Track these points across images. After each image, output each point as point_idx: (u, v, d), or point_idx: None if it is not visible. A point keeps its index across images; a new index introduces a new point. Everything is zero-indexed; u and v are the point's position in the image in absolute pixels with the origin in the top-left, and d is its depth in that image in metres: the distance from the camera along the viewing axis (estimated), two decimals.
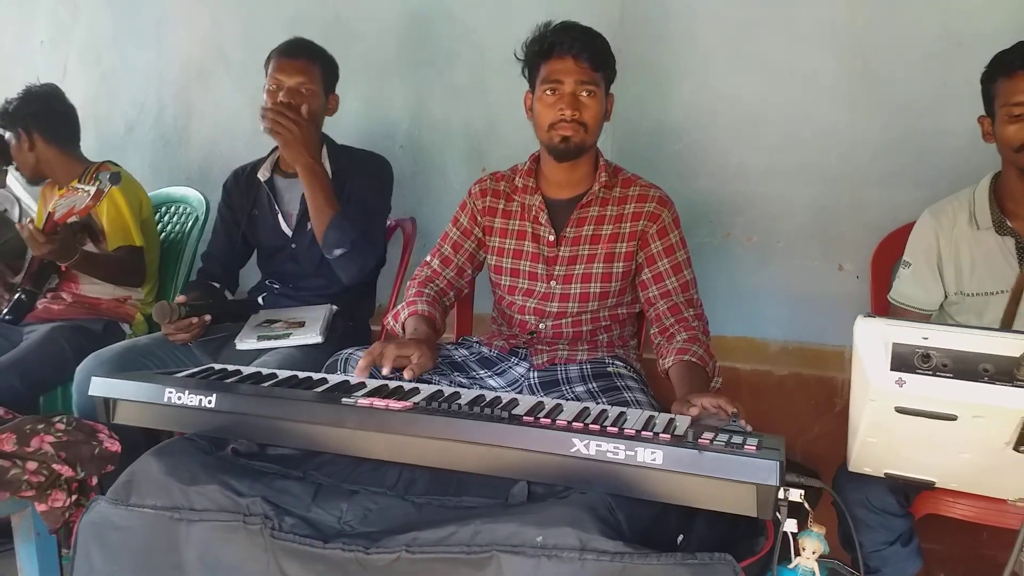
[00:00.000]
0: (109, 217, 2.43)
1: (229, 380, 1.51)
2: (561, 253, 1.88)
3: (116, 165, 2.55)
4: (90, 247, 2.44)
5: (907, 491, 1.51)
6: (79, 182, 2.22)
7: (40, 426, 1.67)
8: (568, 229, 1.87)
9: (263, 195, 2.35)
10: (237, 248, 2.41)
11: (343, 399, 1.35)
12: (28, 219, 2.27)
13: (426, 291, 1.90)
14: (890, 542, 1.50)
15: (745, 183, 2.28)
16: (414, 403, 1.35)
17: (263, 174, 2.35)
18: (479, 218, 1.95)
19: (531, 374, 1.85)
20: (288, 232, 2.32)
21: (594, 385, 1.75)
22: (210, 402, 1.40)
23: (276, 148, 2.37)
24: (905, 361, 0.98)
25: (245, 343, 2.10)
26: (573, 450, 1.18)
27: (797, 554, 1.17)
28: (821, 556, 1.16)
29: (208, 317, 2.11)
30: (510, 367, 1.89)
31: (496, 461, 1.25)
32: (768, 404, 2.17)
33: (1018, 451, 1.00)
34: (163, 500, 1.31)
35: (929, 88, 2.03)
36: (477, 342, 1.97)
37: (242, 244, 2.41)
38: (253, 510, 1.26)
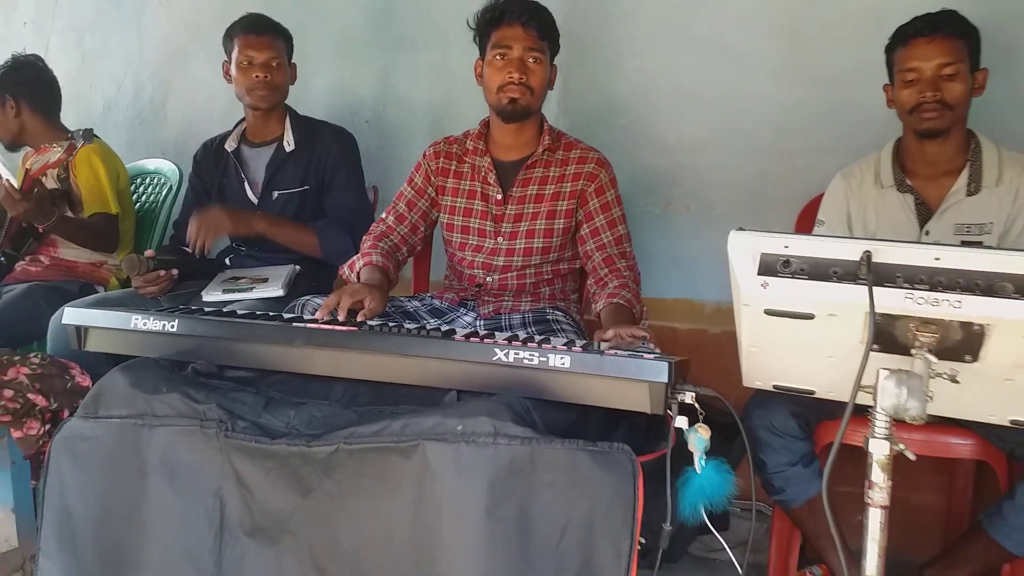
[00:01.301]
0: (87, 185, 2.56)
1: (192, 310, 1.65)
2: (508, 211, 2.03)
3: (96, 136, 2.67)
4: (68, 214, 2.57)
5: (808, 417, 1.67)
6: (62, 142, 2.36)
7: (16, 358, 1.80)
8: (515, 189, 2.03)
9: (230, 165, 2.49)
10: None
11: (293, 323, 1.50)
12: (5, 179, 2.40)
13: (380, 244, 2.05)
14: (792, 463, 1.66)
15: (685, 155, 2.45)
16: (357, 326, 1.49)
17: (230, 145, 2.50)
18: (432, 178, 2.10)
19: (477, 322, 2.00)
20: (254, 199, 2.46)
21: (533, 329, 1.90)
22: (172, 327, 1.54)
23: (243, 120, 2.52)
24: (770, 267, 1.14)
25: (211, 295, 2.23)
26: (495, 358, 1.34)
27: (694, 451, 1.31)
28: (706, 449, 1.30)
29: (175, 272, 2.25)
30: (458, 316, 2.03)
31: (428, 372, 1.40)
32: (704, 361, 2.30)
33: (873, 350, 1.16)
34: (128, 409, 1.45)
35: (852, 64, 2.20)
36: (430, 296, 2.12)
37: None
38: (209, 415, 1.40)
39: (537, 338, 1.47)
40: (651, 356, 1.32)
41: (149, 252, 2.27)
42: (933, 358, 1.11)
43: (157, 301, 2.26)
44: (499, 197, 2.03)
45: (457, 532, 1.23)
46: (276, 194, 2.44)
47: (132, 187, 2.82)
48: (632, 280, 1.91)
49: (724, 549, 1.62)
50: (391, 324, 1.54)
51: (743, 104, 2.37)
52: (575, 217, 2.00)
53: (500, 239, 2.03)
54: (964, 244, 1.77)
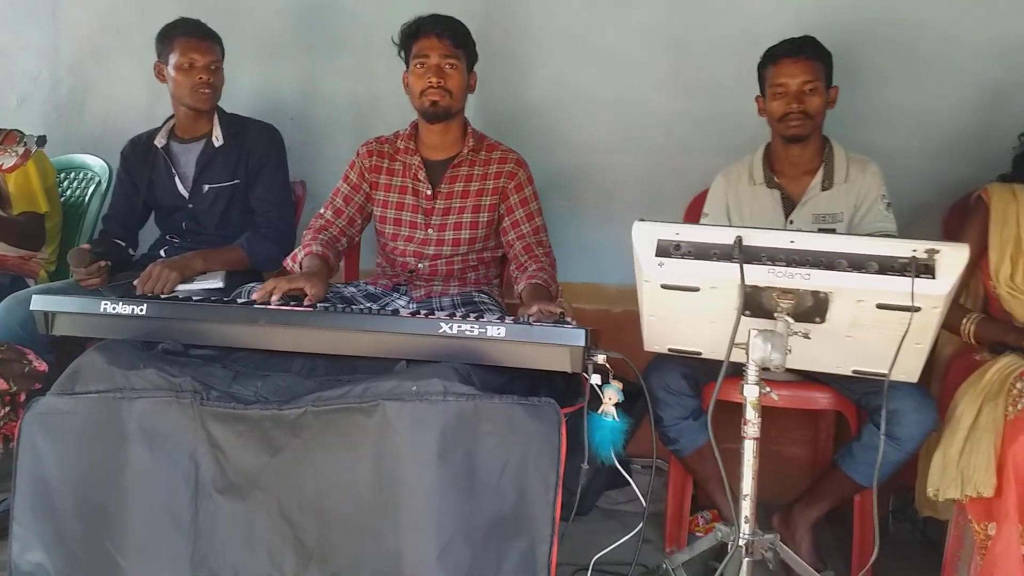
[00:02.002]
0: (16, 183, 2.61)
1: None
2: (437, 205, 2.26)
3: (22, 133, 2.72)
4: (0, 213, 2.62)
5: (697, 378, 1.97)
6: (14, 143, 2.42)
7: None
8: (443, 185, 2.26)
9: (160, 160, 2.60)
10: (136, 210, 2.65)
11: (255, 305, 1.69)
12: None
13: (320, 236, 2.24)
14: (684, 417, 1.96)
15: (590, 155, 2.75)
16: (313, 307, 1.70)
17: (160, 141, 2.60)
18: (366, 175, 2.31)
19: (410, 305, 2.22)
20: (185, 193, 2.58)
21: (462, 310, 2.14)
22: (141, 310, 1.70)
23: (171, 117, 2.63)
24: (664, 250, 1.43)
25: None
26: (440, 331, 1.58)
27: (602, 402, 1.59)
28: (616, 403, 1.58)
29: (108, 262, 2.36)
30: (392, 300, 2.25)
31: (381, 345, 1.62)
32: (608, 336, 2.60)
33: (745, 315, 1.46)
34: (106, 384, 1.60)
35: (731, 76, 2.53)
36: (364, 283, 2.32)
37: (141, 207, 2.65)
38: (184, 387, 1.58)
39: (471, 316, 1.71)
40: (570, 325, 1.59)
41: (86, 246, 2.38)
42: (791, 320, 1.42)
43: (98, 292, 2.36)
44: (428, 192, 2.25)
45: (414, 476, 1.47)
46: (207, 187, 2.57)
47: (59, 181, 2.88)
48: (549, 264, 2.18)
49: (628, 502, 1.91)
50: (339, 305, 1.75)
51: (639, 110, 2.68)
52: (497, 211, 2.25)
53: (430, 230, 2.26)
54: (821, 231, 2.12)
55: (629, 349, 1.80)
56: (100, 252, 2.36)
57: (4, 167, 2.29)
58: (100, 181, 2.90)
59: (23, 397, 1.97)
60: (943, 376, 2.09)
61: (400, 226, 2.29)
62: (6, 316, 2.21)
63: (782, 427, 2.62)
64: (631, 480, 1.76)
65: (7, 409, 1.93)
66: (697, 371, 1.95)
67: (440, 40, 2.12)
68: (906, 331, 1.34)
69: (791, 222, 2.17)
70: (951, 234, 2.23)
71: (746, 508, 1.49)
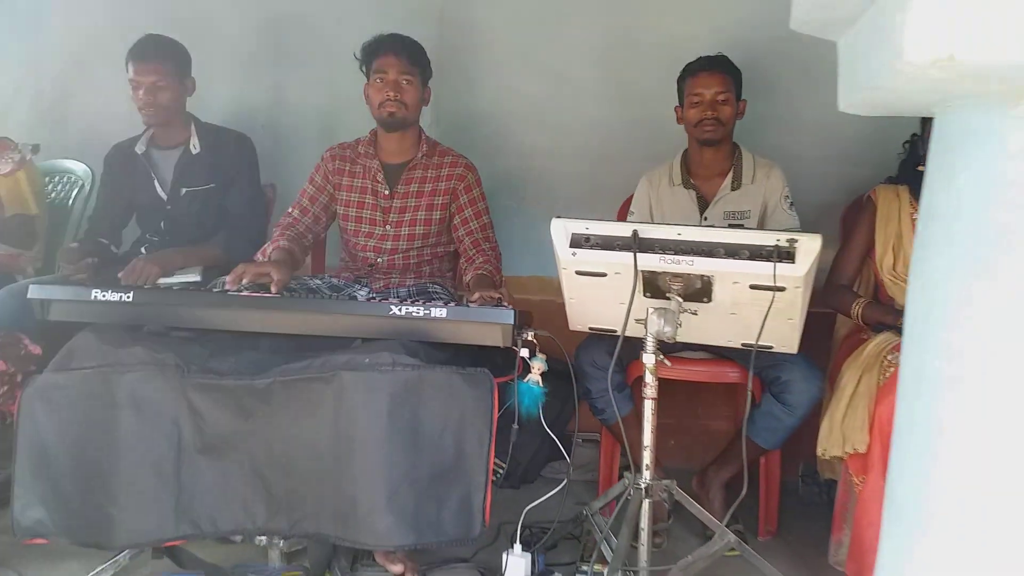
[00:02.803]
0: (7, 188, 2.82)
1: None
2: (394, 204, 2.52)
3: (13, 141, 2.93)
4: None
5: (621, 355, 2.25)
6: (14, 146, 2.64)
7: None
8: (399, 187, 2.52)
9: (140, 166, 2.83)
10: (119, 211, 2.88)
11: (228, 292, 1.94)
12: None
13: (288, 233, 2.48)
14: (607, 391, 2.24)
15: (534, 159, 3.03)
16: (279, 293, 1.96)
17: (140, 148, 2.82)
18: (330, 177, 2.56)
19: (370, 295, 2.48)
20: (164, 196, 2.81)
21: (417, 299, 2.40)
22: (128, 297, 1.94)
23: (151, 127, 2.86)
24: (577, 242, 1.70)
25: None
26: (391, 313, 1.84)
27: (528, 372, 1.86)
28: (543, 372, 1.85)
29: (95, 259, 2.59)
30: (354, 291, 2.50)
31: (338, 325, 1.89)
32: (553, 324, 2.86)
33: (646, 296, 1.74)
34: (99, 360, 1.84)
35: (656, 88, 2.79)
36: (328, 276, 2.57)
37: (124, 208, 2.88)
38: (168, 362, 1.82)
39: (421, 302, 1.98)
40: (504, 307, 1.86)
41: (74, 245, 2.61)
42: (681, 300, 1.70)
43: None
44: (386, 192, 2.51)
45: (367, 434, 1.73)
46: (184, 191, 2.80)
47: (44, 184, 3.09)
48: (494, 258, 2.45)
49: (568, 471, 2.18)
50: (302, 292, 2.00)
51: (576, 118, 2.98)
52: (448, 210, 2.52)
53: (388, 227, 2.52)
54: (731, 226, 2.42)
55: (572, 335, 2.07)
56: (87, 250, 2.59)
57: (2, 172, 2.49)
58: (83, 185, 3.11)
59: (20, 378, 2.19)
60: (836, 352, 2.39)
61: (361, 223, 2.54)
62: (1, 307, 2.43)
63: (707, 404, 2.92)
64: (561, 445, 2.03)
65: (5, 388, 2.15)
66: (621, 350, 2.22)
67: (398, 58, 2.38)
68: (770, 306, 1.63)
69: (705, 218, 2.46)
70: (847, 229, 2.53)
71: (647, 457, 1.77)
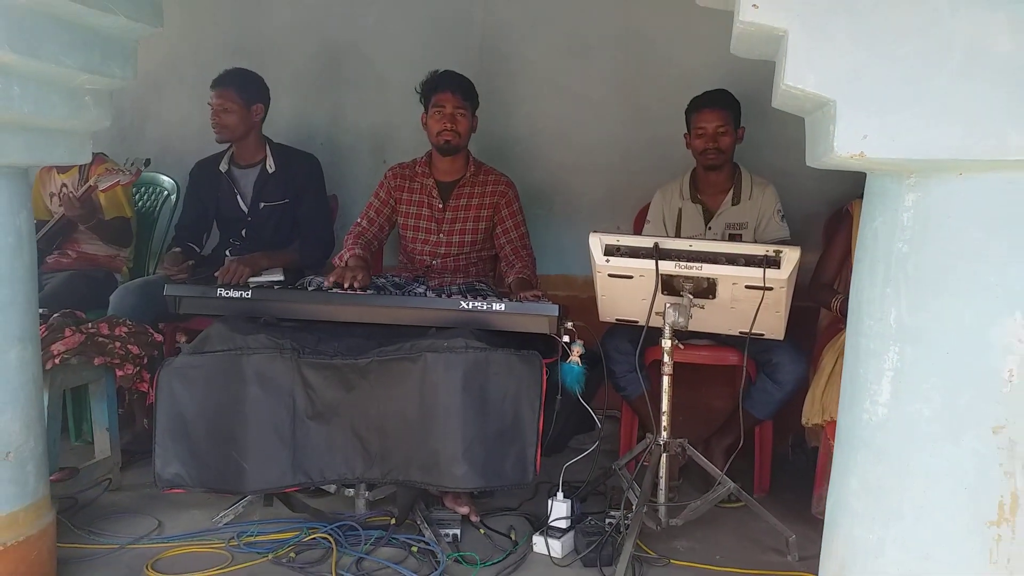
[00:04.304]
0: (107, 195, 3.30)
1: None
2: (446, 216, 2.99)
3: (107, 156, 3.39)
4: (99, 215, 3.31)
5: (638, 342, 2.72)
6: (114, 165, 3.12)
7: (118, 320, 2.61)
8: (451, 201, 2.99)
9: (224, 182, 3.29)
10: (204, 220, 3.35)
11: (328, 290, 2.43)
12: (63, 187, 3.13)
13: (360, 241, 2.95)
14: (629, 371, 2.69)
15: (562, 174, 3.51)
16: (365, 290, 2.44)
17: (223, 166, 3.29)
18: (392, 192, 3.03)
19: (427, 292, 2.95)
20: (245, 209, 3.28)
21: (467, 295, 2.88)
22: (247, 294, 2.42)
23: (231, 146, 3.31)
24: (610, 251, 2.17)
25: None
26: (461, 307, 2.32)
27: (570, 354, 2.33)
28: (580, 355, 2.32)
29: (193, 262, 3.07)
30: (414, 288, 2.98)
31: (419, 315, 2.37)
32: (575, 316, 3.29)
33: (664, 294, 2.22)
34: (229, 345, 2.31)
35: (670, 112, 3.22)
36: (392, 275, 3.05)
37: (207, 218, 3.35)
38: (286, 346, 2.30)
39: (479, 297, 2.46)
40: (548, 302, 2.34)
41: (177, 249, 3.09)
42: (692, 297, 2.18)
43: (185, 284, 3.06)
44: (440, 206, 2.99)
45: (446, 401, 2.21)
46: (262, 205, 3.26)
47: (133, 194, 3.57)
48: (530, 263, 2.93)
49: (592, 444, 2.64)
50: (390, 289, 2.48)
51: (599, 138, 3.45)
52: (492, 221, 2.99)
53: (441, 235, 2.99)
54: (731, 236, 2.88)
55: (593, 325, 2.54)
56: (187, 254, 3.07)
57: (122, 182, 2.97)
58: (168, 195, 3.59)
59: (145, 360, 2.67)
60: (819, 339, 2.86)
61: (418, 231, 3.02)
62: (122, 303, 2.91)
63: (711, 385, 3.39)
64: (592, 413, 2.49)
65: (137, 368, 2.63)
66: (639, 336, 2.70)
67: (454, 95, 2.84)
68: (760, 302, 2.10)
69: (709, 228, 2.93)
70: (829, 237, 2.98)
71: (664, 420, 2.25)
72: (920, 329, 1.26)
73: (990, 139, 1.15)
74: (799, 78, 1.23)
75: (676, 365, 2.29)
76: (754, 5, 1.22)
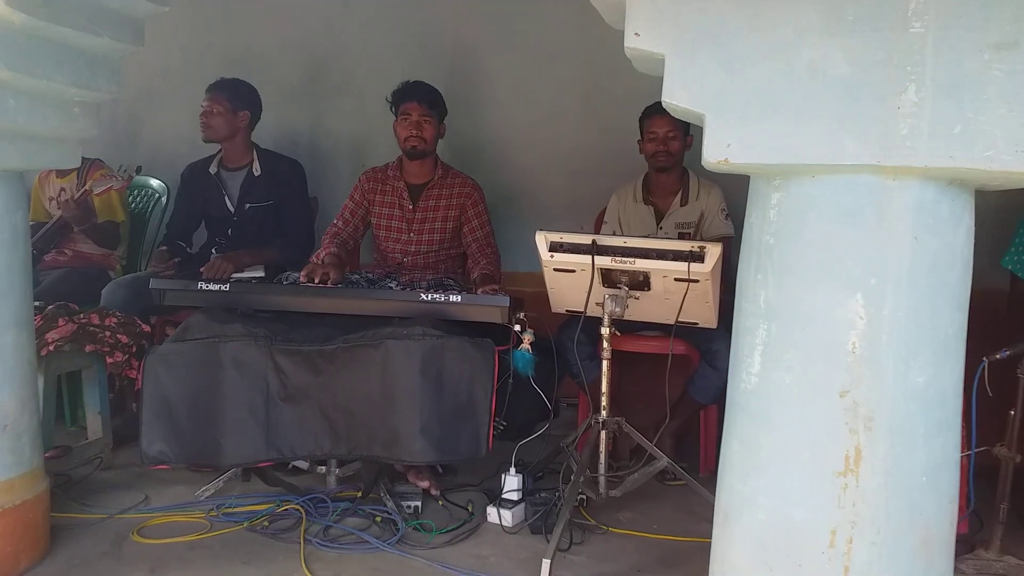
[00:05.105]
0: (100, 199, 3.51)
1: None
2: (416, 217, 3.21)
3: (103, 162, 3.61)
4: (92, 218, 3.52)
5: (591, 332, 2.93)
6: (109, 171, 3.35)
7: (107, 311, 2.83)
8: (420, 202, 3.21)
9: (212, 183, 3.52)
10: (192, 220, 3.58)
11: (300, 284, 2.65)
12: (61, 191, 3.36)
13: (336, 240, 3.17)
14: (583, 359, 2.91)
15: (528, 176, 3.74)
16: (336, 285, 2.66)
17: (212, 168, 3.52)
18: (366, 195, 3.26)
19: (400, 287, 3.17)
20: (232, 209, 3.50)
21: (437, 290, 3.09)
22: (225, 288, 2.64)
23: (220, 150, 3.54)
24: (554, 247, 2.39)
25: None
26: (420, 299, 2.54)
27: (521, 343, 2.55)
28: (530, 343, 2.54)
29: (179, 259, 3.29)
30: (386, 284, 3.19)
31: (382, 306, 2.60)
32: (541, 311, 3.52)
33: (604, 286, 2.43)
34: (207, 333, 2.53)
35: (627, 120, 3.45)
36: (364, 271, 3.26)
37: (196, 217, 3.57)
38: (259, 334, 2.52)
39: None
40: (501, 294, 2.56)
41: (163, 248, 3.31)
42: (628, 288, 2.39)
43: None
44: (410, 207, 3.21)
45: (405, 384, 2.43)
46: (248, 206, 3.48)
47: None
48: (495, 260, 3.15)
49: (544, 426, 2.85)
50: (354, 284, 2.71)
51: (562, 144, 3.68)
52: (459, 221, 3.21)
53: (412, 234, 3.21)
54: (680, 234, 3.10)
55: (557, 319, 2.75)
56: (173, 251, 3.29)
57: (115, 187, 3.19)
58: (159, 197, 3.81)
59: (134, 349, 2.89)
60: None
61: (391, 231, 3.24)
62: (112, 296, 3.14)
63: (663, 375, 3.60)
64: (544, 397, 2.70)
65: (126, 356, 2.85)
66: (592, 327, 2.91)
67: (420, 104, 3.07)
68: (685, 293, 2.32)
69: (660, 228, 3.15)
70: None
71: (604, 399, 2.46)
72: (782, 309, 1.48)
73: (831, 146, 1.37)
74: (674, 96, 1.45)
75: (634, 356, 2.49)
76: (636, 33, 1.44)
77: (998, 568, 2.26)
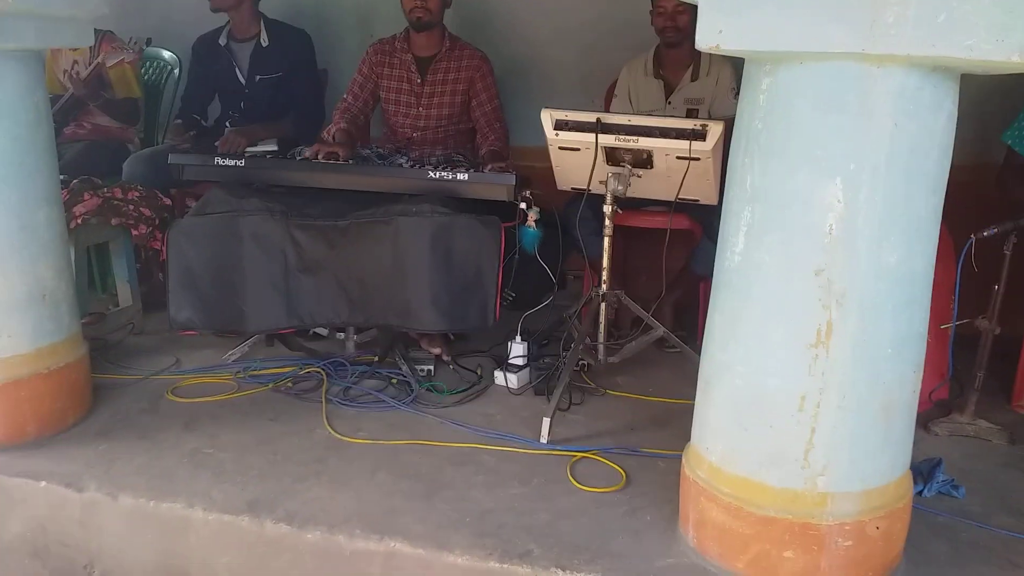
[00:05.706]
0: (116, 75, 3.53)
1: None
2: (425, 91, 3.23)
3: (115, 35, 3.60)
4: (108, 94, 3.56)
5: (596, 208, 3.01)
6: (121, 43, 3.36)
7: (129, 185, 2.94)
8: (428, 75, 3.22)
9: (223, 55, 3.53)
10: (206, 93, 3.61)
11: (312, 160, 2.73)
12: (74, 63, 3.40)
13: (346, 116, 3.21)
14: (589, 234, 3.00)
15: (538, 48, 3.70)
16: (347, 161, 2.74)
17: (222, 40, 3.52)
18: (374, 68, 3.26)
19: (409, 162, 3.24)
20: (243, 81, 3.53)
21: (446, 166, 3.16)
22: (241, 163, 2.73)
23: (228, 20, 3.52)
24: (560, 125, 2.43)
25: None
26: (428, 176, 2.62)
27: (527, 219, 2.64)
28: (535, 220, 2.63)
29: (195, 132, 3.36)
30: (396, 159, 3.26)
31: (391, 183, 2.69)
32: (547, 188, 3.58)
33: (608, 164, 2.49)
34: (227, 207, 2.64)
35: None
36: (375, 145, 3.32)
37: (210, 90, 3.61)
38: (276, 209, 2.63)
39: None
40: (508, 172, 2.63)
41: (178, 122, 3.37)
42: (630, 167, 2.45)
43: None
44: (419, 81, 3.22)
45: (415, 259, 2.55)
46: (258, 78, 3.51)
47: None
48: (503, 135, 3.19)
49: (550, 298, 2.97)
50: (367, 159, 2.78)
51: (573, 15, 3.62)
52: (467, 95, 3.23)
53: (421, 108, 3.24)
54: (688, 112, 3.11)
55: (563, 195, 2.83)
56: (189, 125, 3.36)
57: (126, 60, 3.22)
58: (172, 69, 3.83)
59: (157, 222, 3.02)
60: None
61: (399, 106, 3.27)
62: (133, 170, 3.24)
63: (672, 248, 3.69)
64: (549, 270, 2.82)
65: (150, 229, 2.98)
66: (597, 202, 2.99)
67: None
68: (686, 170, 2.38)
69: (669, 103, 3.16)
70: None
71: (604, 274, 2.58)
72: (765, 191, 1.56)
73: (819, 35, 1.40)
74: None
75: (638, 231, 2.58)
76: None
77: (969, 431, 2.43)
